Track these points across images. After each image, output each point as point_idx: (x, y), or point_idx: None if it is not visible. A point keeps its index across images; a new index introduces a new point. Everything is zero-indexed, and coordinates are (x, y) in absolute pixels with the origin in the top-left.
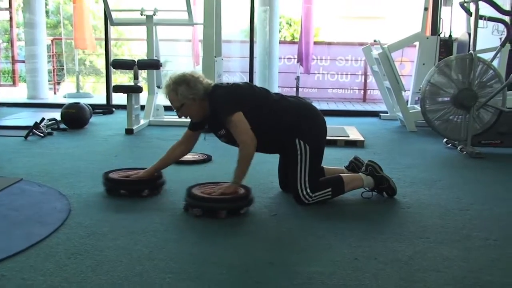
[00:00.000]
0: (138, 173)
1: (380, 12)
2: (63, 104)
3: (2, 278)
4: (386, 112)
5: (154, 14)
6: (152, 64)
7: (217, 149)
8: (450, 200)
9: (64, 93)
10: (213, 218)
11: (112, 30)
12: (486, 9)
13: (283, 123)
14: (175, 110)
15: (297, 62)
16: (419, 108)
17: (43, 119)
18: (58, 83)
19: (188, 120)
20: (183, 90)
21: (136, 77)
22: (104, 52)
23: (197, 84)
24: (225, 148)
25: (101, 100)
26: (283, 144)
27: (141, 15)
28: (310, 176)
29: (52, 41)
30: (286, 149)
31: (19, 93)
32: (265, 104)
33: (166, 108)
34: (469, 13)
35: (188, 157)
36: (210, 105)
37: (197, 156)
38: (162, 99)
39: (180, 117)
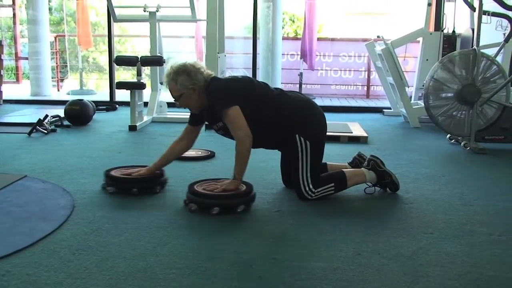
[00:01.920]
0: (140, 171)
1: (384, 8)
2: (66, 101)
3: (7, 274)
4: (390, 108)
5: (157, 11)
6: (155, 61)
7: (220, 146)
8: (454, 196)
9: (67, 90)
10: (229, 213)
11: (115, 26)
12: (489, 5)
13: (283, 118)
14: (174, 99)
15: (300, 58)
16: (423, 104)
17: (46, 116)
18: (62, 80)
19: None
20: (183, 80)
21: (139, 74)
22: (107, 49)
23: (197, 74)
24: (228, 144)
25: (105, 97)
26: (283, 140)
27: (144, 11)
28: (312, 171)
29: (55, 38)
30: (286, 145)
31: (23, 90)
32: (265, 99)
33: (169, 105)
34: (472, 8)
35: (191, 153)
36: (207, 97)
37: (200, 153)
38: (165, 96)
39: (179, 107)
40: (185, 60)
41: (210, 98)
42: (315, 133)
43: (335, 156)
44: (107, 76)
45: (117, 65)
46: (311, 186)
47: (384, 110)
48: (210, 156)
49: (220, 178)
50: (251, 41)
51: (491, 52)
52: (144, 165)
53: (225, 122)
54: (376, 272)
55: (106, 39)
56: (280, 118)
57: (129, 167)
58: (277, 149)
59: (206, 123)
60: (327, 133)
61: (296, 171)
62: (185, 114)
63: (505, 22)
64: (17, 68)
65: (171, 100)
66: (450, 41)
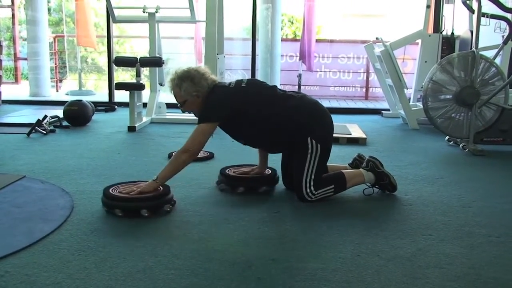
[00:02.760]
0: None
1: (383, 10)
2: (65, 102)
3: (6, 274)
4: (388, 110)
5: (156, 12)
6: (154, 62)
7: (219, 147)
8: (452, 197)
9: (66, 91)
10: (230, 214)
11: (114, 27)
12: (488, 7)
13: (295, 122)
14: (178, 104)
15: (299, 59)
16: (421, 105)
17: (45, 116)
18: (60, 81)
19: (191, 116)
20: (187, 86)
21: (138, 75)
22: (106, 49)
23: (201, 81)
24: (227, 145)
25: (104, 97)
26: (293, 142)
27: (143, 12)
28: (316, 174)
29: (54, 38)
30: (295, 147)
31: (22, 91)
32: (273, 103)
33: (168, 106)
34: (471, 10)
35: None
36: None
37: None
38: (164, 97)
39: (183, 112)
40: (189, 65)
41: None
42: (325, 135)
43: (334, 157)
44: (106, 77)
45: (116, 66)
46: (312, 188)
47: (383, 111)
48: (209, 157)
49: (137, 181)
50: (250, 43)
51: (489, 54)
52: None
53: (194, 129)
54: (375, 273)
55: (105, 40)
56: (292, 122)
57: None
58: (284, 152)
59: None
60: None
61: (301, 172)
62: (183, 116)
63: (503, 24)
64: (16, 68)
65: (170, 101)
66: (448, 43)
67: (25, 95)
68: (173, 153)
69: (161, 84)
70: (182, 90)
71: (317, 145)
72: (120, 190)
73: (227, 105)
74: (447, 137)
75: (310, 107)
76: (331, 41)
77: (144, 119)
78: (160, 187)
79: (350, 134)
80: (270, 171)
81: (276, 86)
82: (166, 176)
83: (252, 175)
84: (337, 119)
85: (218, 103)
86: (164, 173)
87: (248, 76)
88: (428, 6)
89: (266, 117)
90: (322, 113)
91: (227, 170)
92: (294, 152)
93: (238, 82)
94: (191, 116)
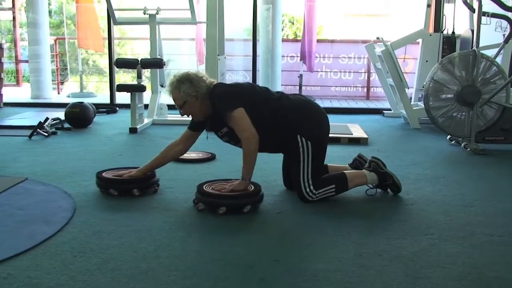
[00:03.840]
0: (131, 172)
1: (385, 10)
2: (67, 104)
3: (8, 276)
4: (390, 110)
5: (157, 13)
6: (155, 63)
7: (221, 148)
8: (454, 197)
9: (67, 93)
10: (231, 214)
11: (115, 29)
12: (489, 6)
13: (285, 120)
14: (177, 108)
15: (300, 60)
16: (423, 105)
17: (47, 118)
18: (62, 83)
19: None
20: (186, 87)
21: (139, 76)
22: (107, 51)
23: (200, 82)
24: (229, 146)
25: (105, 99)
26: (286, 142)
27: (144, 14)
28: (313, 173)
29: (55, 40)
30: (288, 147)
31: (23, 93)
32: (267, 102)
33: (170, 107)
34: (472, 9)
35: (192, 155)
36: (211, 103)
37: (201, 155)
38: (165, 98)
39: (182, 115)
40: (190, 66)
41: (213, 103)
42: (317, 134)
43: (335, 157)
44: (107, 79)
45: (117, 67)
46: (312, 188)
47: (384, 111)
48: (211, 158)
49: (230, 179)
50: (251, 43)
51: (490, 53)
52: (136, 166)
53: (231, 125)
54: (377, 273)
55: (106, 41)
56: (282, 120)
57: (121, 168)
58: (281, 152)
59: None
60: None
61: (298, 172)
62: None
63: (504, 23)
64: (17, 71)
65: (171, 102)
66: (449, 42)
67: (26, 98)
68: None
69: (162, 86)
70: (181, 91)
71: (308, 142)
72: (213, 187)
73: (236, 92)
74: (448, 137)
75: (301, 105)
76: (332, 41)
77: (146, 120)
78: (251, 185)
79: (352, 134)
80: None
81: (268, 88)
82: (249, 171)
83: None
84: (338, 119)
85: (229, 92)
86: (246, 170)
87: (249, 77)
88: (428, 6)
89: (259, 116)
90: (314, 111)
91: (105, 173)
92: (288, 151)
93: (235, 83)
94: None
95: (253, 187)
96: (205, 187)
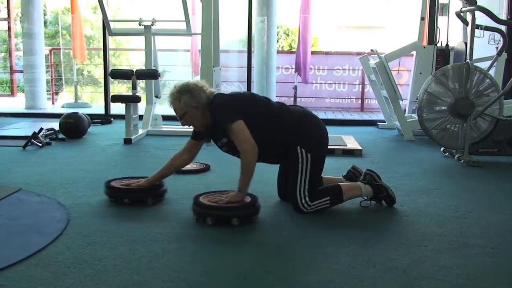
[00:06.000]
0: (139, 182)
1: (380, 22)
2: (61, 114)
3: (1, 287)
4: (384, 121)
5: (152, 24)
6: (150, 74)
7: (215, 159)
8: (448, 209)
9: (62, 103)
10: (225, 226)
11: (110, 40)
12: (482, 19)
13: (285, 132)
14: (178, 118)
15: (295, 72)
16: (417, 117)
17: (41, 129)
18: (56, 93)
19: (187, 128)
20: (186, 98)
21: (134, 87)
22: (102, 62)
23: (200, 93)
24: (224, 157)
25: (100, 110)
26: (285, 152)
27: (139, 25)
28: (310, 185)
29: (50, 51)
30: (287, 157)
31: (18, 103)
32: (267, 113)
33: (165, 118)
34: (465, 22)
35: (187, 166)
36: (211, 114)
37: (195, 166)
38: (160, 109)
39: (183, 125)
40: (185, 77)
41: (213, 114)
42: (317, 146)
43: (329, 169)
44: (102, 89)
45: (112, 78)
46: (307, 199)
47: (379, 123)
48: (205, 169)
49: (226, 190)
50: (245, 55)
51: (484, 65)
52: (143, 176)
53: (231, 137)
54: (371, 285)
55: (101, 52)
56: (283, 131)
57: (128, 178)
58: (278, 163)
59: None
60: None
61: (294, 183)
62: (179, 128)
63: (497, 36)
64: (12, 81)
65: (166, 113)
66: (443, 54)
67: (21, 108)
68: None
69: (157, 97)
70: (181, 102)
71: (307, 154)
72: (209, 198)
73: (236, 103)
74: (442, 148)
75: (302, 117)
76: (327, 53)
77: (140, 131)
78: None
79: (346, 145)
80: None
81: (269, 98)
82: (246, 182)
83: (134, 186)
84: (332, 131)
85: (229, 104)
86: (243, 181)
87: (244, 88)
88: (422, 18)
89: (259, 126)
90: (315, 124)
91: (113, 182)
92: (287, 162)
93: (236, 92)
94: (187, 128)
95: (249, 199)
96: (201, 199)
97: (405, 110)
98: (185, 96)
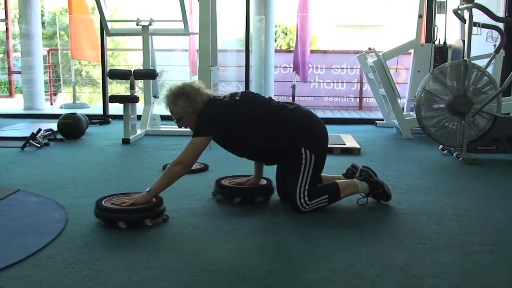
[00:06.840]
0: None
1: (378, 20)
2: (59, 115)
3: None
4: (382, 120)
5: (150, 24)
6: (148, 74)
7: (213, 158)
8: (446, 206)
9: (60, 104)
10: (225, 226)
11: (108, 40)
12: (480, 16)
13: (288, 136)
14: (175, 121)
15: (293, 70)
16: (415, 115)
17: (39, 129)
18: (55, 94)
19: (185, 128)
20: (182, 103)
21: (132, 87)
22: (100, 62)
23: (196, 97)
24: (222, 157)
25: (98, 110)
26: (288, 153)
27: (137, 25)
28: (310, 185)
29: (48, 51)
30: (290, 158)
31: (16, 104)
32: (267, 117)
33: (163, 118)
34: (463, 20)
35: None
36: None
37: (194, 165)
38: (158, 109)
39: (180, 127)
40: (183, 77)
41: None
42: (320, 147)
43: (328, 167)
44: (100, 90)
45: (110, 78)
46: (306, 199)
47: (377, 121)
48: (204, 169)
49: (130, 193)
50: (243, 54)
51: (482, 63)
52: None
53: (188, 142)
54: (370, 283)
55: (99, 52)
56: (283, 136)
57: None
58: (276, 164)
59: None
60: None
61: (295, 182)
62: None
63: (495, 33)
64: (10, 82)
65: (164, 113)
66: (441, 52)
67: (19, 109)
68: (167, 165)
69: (155, 97)
70: (177, 107)
71: (311, 155)
72: (113, 201)
73: (221, 122)
74: (440, 146)
75: (304, 118)
76: (325, 52)
77: (138, 131)
78: (153, 199)
79: (344, 144)
80: (265, 181)
81: (270, 98)
82: (159, 187)
83: (247, 185)
84: (331, 129)
85: (212, 119)
86: (158, 185)
87: (242, 88)
88: (420, 16)
89: (259, 134)
90: (317, 125)
91: (223, 180)
92: (289, 162)
93: (233, 95)
94: (185, 129)
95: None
96: (104, 202)
97: (403, 108)
98: (181, 100)
